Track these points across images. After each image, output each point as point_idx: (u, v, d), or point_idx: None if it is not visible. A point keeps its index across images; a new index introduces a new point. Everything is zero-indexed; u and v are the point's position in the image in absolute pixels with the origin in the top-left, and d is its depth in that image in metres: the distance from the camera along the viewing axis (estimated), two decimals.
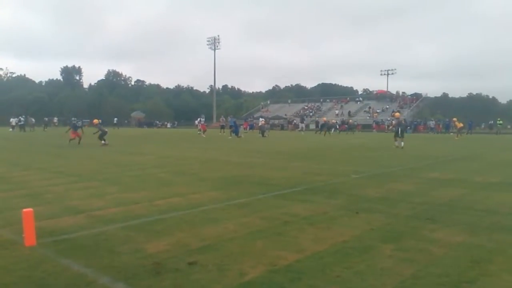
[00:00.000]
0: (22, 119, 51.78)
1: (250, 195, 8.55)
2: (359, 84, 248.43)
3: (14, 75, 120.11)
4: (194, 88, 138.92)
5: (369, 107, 71.02)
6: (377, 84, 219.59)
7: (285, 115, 75.35)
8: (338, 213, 7.01)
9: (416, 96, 74.41)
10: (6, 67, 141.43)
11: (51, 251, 5.07)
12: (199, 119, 42.76)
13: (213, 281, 4.14)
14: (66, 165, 14.16)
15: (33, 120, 56.90)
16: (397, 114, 26.80)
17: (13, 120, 53.10)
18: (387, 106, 70.61)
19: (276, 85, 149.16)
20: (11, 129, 51.43)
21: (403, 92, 79.50)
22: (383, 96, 78.10)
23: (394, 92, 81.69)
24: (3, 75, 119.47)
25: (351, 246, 5.24)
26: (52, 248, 5.20)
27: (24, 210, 5.40)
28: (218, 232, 5.86)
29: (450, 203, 7.93)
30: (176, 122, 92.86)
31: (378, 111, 67.68)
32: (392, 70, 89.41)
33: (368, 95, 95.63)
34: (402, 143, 21.94)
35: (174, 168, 13.21)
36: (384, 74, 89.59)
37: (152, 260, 4.75)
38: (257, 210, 7.25)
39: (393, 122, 24.59)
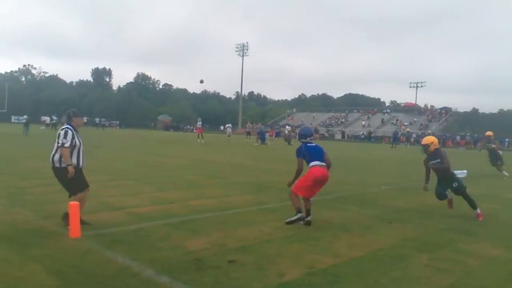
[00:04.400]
0: (54, 117, 53.28)
1: (281, 201, 8.65)
2: (386, 95, 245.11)
3: (47, 75, 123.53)
4: (221, 94, 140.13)
5: (397, 119, 70.23)
6: (404, 96, 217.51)
7: (311, 124, 75.25)
8: (371, 222, 7.06)
9: (445, 110, 73.21)
10: (40, 67, 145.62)
11: (96, 244, 5.29)
12: (199, 122, 39.25)
13: (253, 279, 4.27)
14: (97, 164, 14.50)
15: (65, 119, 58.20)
16: (489, 133, 17.17)
17: (46, 119, 54.67)
18: (415, 119, 69.73)
19: (302, 94, 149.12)
20: (43, 127, 52.91)
21: (431, 106, 78.44)
22: (411, 109, 77.15)
23: (423, 105, 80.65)
24: (36, 74, 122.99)
25: (387, 254, 5.30)
26: (96, 240, 5.42)
27: (70, 202, 5.65)
28: (254, 234, 5.99)
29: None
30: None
31: (405, 123, 66.88)
32: (421, 82, 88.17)
33: (395, 107, 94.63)
34: (505, 172, 15.85)
35: (204, 172, 13.44)
36: (413, 87, 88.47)
37: (193, 256, 4.91)
38: (289, 215, 7.34)
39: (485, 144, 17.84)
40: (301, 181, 6.78)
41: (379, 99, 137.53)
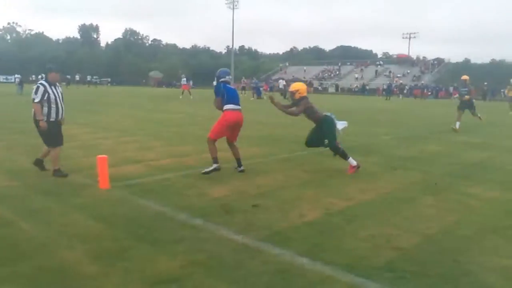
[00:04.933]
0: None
1: (290, 152, 9.10)
2: (378, 47, 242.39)
3: (32, 32, 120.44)
4: (211, 49, 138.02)
5: (390, 71, 70.21)
6: (397, 48, 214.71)
7: (304, 77, 75.02)
8: (377, 169, 7.53)
9: (438, 61, 73.15)
10: (25, 24, 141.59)
11: (126, 193, 5.71)
12: (183, 79, 37.60)
13: (278, 220, 4.73)
14: (105, 121, 14.83)
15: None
16: (465, 77, 14.76)
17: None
18: (408, 71, 69.73)
19: (294, 47, 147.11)
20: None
21: (424, 57, 78.22)
22: (404, 60, 76.90)
23: (415, 57, 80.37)
24: (22, 32, 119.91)
25: (395, 197, 5.78)
26: (126, 190, 5.84)
27: (99, 156, 6.01)
28: (270, 182, 6.44)
29: (481, 163, 8.38)
30: (191, 82, 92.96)
31: (398, 75, 66.94)
32: (414, 33, 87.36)
33: (388, 59, 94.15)
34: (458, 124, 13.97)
35: (209, 126, 13.62)
36: (406, 38, 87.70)
37: (219, 202, 5.35)
38: (300, 164, 7.81)
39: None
40: (216, 127, 7.14)
41: (371, 51, 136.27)
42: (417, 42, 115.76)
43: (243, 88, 45.41)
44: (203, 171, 6.86)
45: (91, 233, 4.24)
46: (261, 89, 40.57)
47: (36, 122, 6.49)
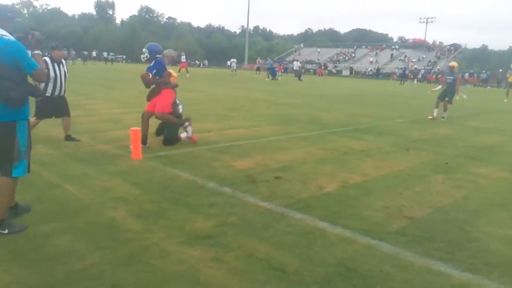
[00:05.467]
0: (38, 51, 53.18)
1: (306, 131, 9.47)
2: (394, 31, 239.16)
3: (49, 7, 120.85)
4: (225, 28, 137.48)
5: (405, 56, 69.62)
6: (413, 32, 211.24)
7: (318, 60, 74.77)
8: (390, 149, 7.89)
9: (455, 47, 72.19)
10: None
11: (157, 163, 6.15)
12: (182, 57, 38.29)
13: (299, 190, 5.15)
14: (124, 97, 15.30)
15: (74, 53, 58.07)
16: (454, 64, 14.14)
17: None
18: (424, 56, 69.07)
19: (308, 28, 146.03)
20: None
21: (440, 42, 77.21)
22: (420, 45, 76.06)
23: (431, 42, 79.36)
24: (38, 7, 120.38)
25: (408, 174, 6.17)
26: (156, 161, 6.29)
27: (132, 129, 6.46)
28: (289, 157, 6.85)
29: (491, 147, 8.69)
30: (206, 62, 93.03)
31: (414, 60, 66.39)
32: (431, 18, 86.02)
33: (404, 43, 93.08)
34: (446, 114, 13.10)
35: (227, 105, 14.18)
36: (423, 22, 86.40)
37: (243, 174, 5.78)
38: (317, 143, 8.19)
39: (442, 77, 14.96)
40: (165, 102, 7.34)
41: (387, 34, 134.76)
42: (434, 27, 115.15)
43: (258, 69, 45.55)
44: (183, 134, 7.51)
45: (130, 196, 4.71)
46: (276, 69, 40.72)
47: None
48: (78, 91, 16.12)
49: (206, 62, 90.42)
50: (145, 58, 7.33)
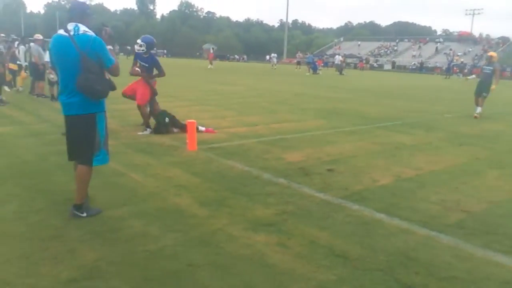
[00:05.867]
0: (109, 47, 54.87)
1: (354, 125, 9.51)
2: (438, 24, 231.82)
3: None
4: (264, 22, 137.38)
5: (450, 49, 67.49)
6: (458, 25, 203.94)
7: (359, 53, 73.65)
8: (442, 144, 7.83)
9: (503, 40, 69.33)
10: None
11: (212, 155, 6.39)
12: (210, 48, 43.46)
13: (353, 183, 5.25)
14: (173, 91, 15.69)
15: (118, 47, 59.60)
16: (493, 53, 12.93)
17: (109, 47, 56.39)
18: (470, 49, 66.73)
19: (348, 22, 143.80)
20: None
21: (487, 35, 74.42)
22: (465, 38, 73.50)
23: (478, 35, 76.59)
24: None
25: (462, 169, 6.13)
26: (211, 152, 6.53)
27: (188, 121, 6.72)
28: (340, 151, 6.94)
29: None
30: (245, 57, 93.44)
31: (459, 54, 64.28)
32: (478, 9, 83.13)
33: (448, 36, 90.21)
34: (479, 109, 12.01)
35: (271, 99, 14.35)
36: (469, 14, 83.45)
37: (296, 166, 5.92)
38: (366, 137, 8.22)
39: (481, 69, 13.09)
40: (144, 92, 7.86)
41: (430, 27, 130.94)
42: (480, 19, 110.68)
43: (298, 63, 45.38)
44: (140, 133, 7.75)
45: (191, 185, 4.95)
46: (316, 64, 40.48)
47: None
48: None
49: (245, 56, 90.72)
50: (142, 50, 7.92)
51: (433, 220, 4.12)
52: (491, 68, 12.05)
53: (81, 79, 3.60)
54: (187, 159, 6.09)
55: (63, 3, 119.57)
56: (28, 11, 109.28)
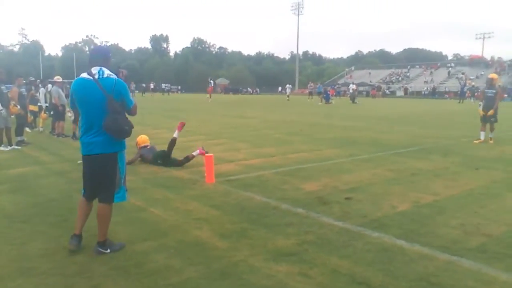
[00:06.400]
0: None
1: (369, 153, 9.54)
2: (449, 49, 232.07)
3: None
4: (275, 55, 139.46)
5: (462, 73, 67.48)
6: (469, 49, 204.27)
7: (370, 81, 74.08)
8: (459, 169, 7.81)
9: None
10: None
11: (230, 187, 6.48)
12: (211, 81, 44.08)
13: (372, 210, 5.27)
14: (188, 126, 15.82)
15: (134, 85, 60.85)
16: (493, 76, 12.86)
17: None
18: (482, 72, 66.61)
19: (359, 51, 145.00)
20: None
21: (499, 57, 74.21)
22: (477, 62, 73.54)
23: (489, 58, 76.44)
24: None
25: (480, 193, 6.11)
26: (229, 185, 6.62)
27: (206, 155, 6.86)
28: (357, 179, 6.97)
29: None
30: (258, 89, 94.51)
31: (471, 77, 64.20)
32: (489, 33, 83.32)
33: (459, 60, 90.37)
34: (491, 134, 11.83)
35: (285, 130, 14.48)
36: (480, 38, 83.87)
37: (314, 195, 5.97)
38: (382, 164, 8.24)
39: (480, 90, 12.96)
40: None
41: (441, 52, 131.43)
42: (491, 42, 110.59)
43: (310, 93, 45.77)
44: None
45: (211, 217, 5.03)
46: (329, 93, 40.77)
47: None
48: (144, 122, 17.02)
49: (257, 89, 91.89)
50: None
51: (454, 244, 4.11)
52: (494, 91, 11.78)
53: (109, 120, 3.78)
54: (206, 192, 6.19)
55: (80, 45, 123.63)
56: (46, 53, 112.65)
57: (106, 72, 3.88)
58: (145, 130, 14.20)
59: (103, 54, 4.04)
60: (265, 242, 4.22)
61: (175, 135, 8.27)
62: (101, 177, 3.96)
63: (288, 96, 46.09)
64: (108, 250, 3.98)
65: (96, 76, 3.82)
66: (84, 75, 3.90)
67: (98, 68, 3.88)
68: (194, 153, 8.11)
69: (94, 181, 3.99)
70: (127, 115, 4.13)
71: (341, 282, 3.39)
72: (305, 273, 3.54)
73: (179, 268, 3.64)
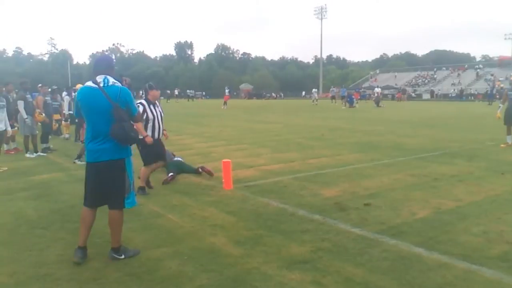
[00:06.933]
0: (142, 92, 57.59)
1: (391, 158, 9.37)
2: (476, 50, 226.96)
3: (134, 52, 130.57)
4: (299, 59, 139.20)
5: (491, 74, 65.76)
6: (498, 49, 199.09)
7: (396, 84, 72.98)
8: (483, 174, 7.58)
9: None
10: (127, 44, 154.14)
11: (248, 193, 6.45)
12: (227, 90, 44.60)
13: (390, 217, 5.16)
14: (210, 131, 16.06)
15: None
16: None
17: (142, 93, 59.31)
18: None
19: (383, 54, 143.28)
20: None
21: None
22: (507, 63, 71.47)
23: None
24: (125, 52, 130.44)
25: (505, 198, 5.91)
26: (247, 191, 6.60)
27: (224, 160, 6.86)
28: (377, 184, 6.84)
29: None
30: (282, 94, 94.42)
31: (501, 79, 62.43)
32: None
33: (488, 61, 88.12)
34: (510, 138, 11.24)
35: (307, 135, 14.39)
36: (509, 38, 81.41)
37: (332, 201, 5.89)
38: (404, 169, 8.08)
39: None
40: None
41: (468, 54, 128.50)
42: None
43: (333, 97, 45.46)
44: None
45: (227, 224, 5.01)
46: (353, 97, 40.36)
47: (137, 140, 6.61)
48: (168, 128, 17.17)
49: (281, 94, 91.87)
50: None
51: (474, 253, 3.97)
52: None
53: (116, 128, 3.82)
54: (223, 198, 6.18)
55: (107, 53, 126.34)
56: (74, 62, 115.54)
57: (111, 80, 3.94)
58: (170, 137, 14.38)
59: (107, 63, 4.11)
60: (280, 249, 4.17)
61: (200, 169, 7.84)
62: (110, 183, 3.99)
63: (314, 101, 45.65)
64: (123, 256, 4.01)
65: (102, 85, 3.88)
66: (90, 83, 3.96)
67: (103, 76, 3.94)
68: (209, 168, 7.79)
69: (102, 189, 4.02)
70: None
71: None
72: (318, 281, 3.48)
73: (191, 275, 3.64)
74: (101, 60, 4.16)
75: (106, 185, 4.00)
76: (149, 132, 6.48)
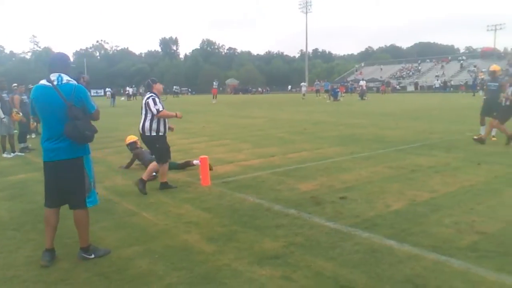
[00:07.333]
0: (129, 89, 58.13)
1: (371, 150, 9.41)
2: (460, 42, 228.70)
3: (118, 48, 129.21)
4: (284, 54, 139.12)
5: (474, 66, 66.45)
6: (481, 41, 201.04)
7: (381, 77, 73.40)
8: (460, 164, 7.66)
9: None
10: (112, 41, 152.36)
11: (225, 189, 6.42)
12: (215, 83, 43.54)
13: (365, 210, 5.17)
14: (193, 128, 15.95)
15: (143, 88, 61.60)
16: (495, 67, 11.72)
17: (129, 90, 59.22)
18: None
19: (369, 47, 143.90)
20: (123, 98, 56.65)
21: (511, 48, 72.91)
22: (489, 54, 72.28)
23: (502, 49, 75.15)
24: (109, 49, 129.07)
25: (479, 189, 5.97)
26: (225, 187, 6.56)
27: (201, 157, 6.81)
28: (355, 177, 6.87)
29: None
30: (268, 88, 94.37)
31: (483, 70, 63.09)
32: (500, 24, 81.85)
33: (471, 53, 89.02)
34: (494, 131, 10.71)
35: (289, 129, 14.39)
36: (491, 30, 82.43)
37: (308, 195, 5.89)
38: (382, 161, 8.12)
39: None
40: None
41: (452, 46, 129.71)
42: (503, 33, 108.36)
43: (317, 91, 45.56)
44: None
45: (202, 221, 4.98)
46: (337, 90, 40.44)
47: (151, 137, 6.36)
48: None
49: (268, 88, 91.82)
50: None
51: (445, 244, 4.00)
52: (497, 84, 10.85)
53: (69, 126, 3.74)
54: (200, 195, 6.14)
55: (90, 50, 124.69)
56: None
57: (65, 78, 3.86)
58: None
59: (62, 61, 4.02)
60: (252, 245, 4.15)
61: (194, 162, 7.82)
62: (69, 183, 3.91)
63: (303, 95, 45.66)
64: (93, 256, 3.96)
65: (55, 83, 3.80)
66: (43, 82, 3.87)
67: (57, 74, 3.85)
68: (194, 162, 7.86)
69: (61, 188, 3.94)
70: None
71: (324, 285, 3.31)
72: (288, 276, 3.47)
73: (161, 274, 3.60)
74: (56, 59, 4.07)
75: (64, 184, 3.92)
76: (161, 124, 6.42)
